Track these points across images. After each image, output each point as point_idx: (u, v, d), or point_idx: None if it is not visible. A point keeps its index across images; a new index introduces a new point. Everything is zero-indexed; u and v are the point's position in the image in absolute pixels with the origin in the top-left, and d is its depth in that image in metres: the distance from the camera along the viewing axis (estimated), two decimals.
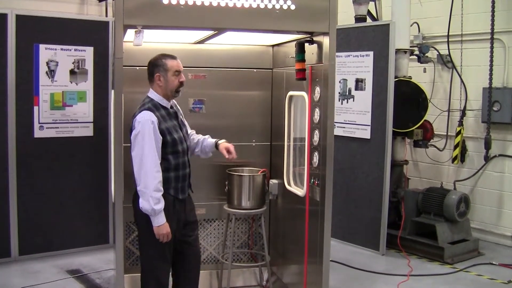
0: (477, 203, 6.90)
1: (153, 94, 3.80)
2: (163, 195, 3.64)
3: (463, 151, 6.96)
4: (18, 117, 5.59)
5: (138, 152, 3.59)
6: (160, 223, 3.62)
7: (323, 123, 4.05)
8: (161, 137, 3.66)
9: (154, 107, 3.72)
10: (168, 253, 3.82)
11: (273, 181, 4.96)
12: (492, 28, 6.50)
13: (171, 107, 3.88)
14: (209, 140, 4.20)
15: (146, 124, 3.58)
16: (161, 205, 3.60)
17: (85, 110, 5.96)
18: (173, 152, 3.75)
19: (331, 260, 4.62)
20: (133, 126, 3.67)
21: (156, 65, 3.78)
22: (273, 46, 5.08)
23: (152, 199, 3.56)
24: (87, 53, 5.91)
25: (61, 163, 5.87)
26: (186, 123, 4.12)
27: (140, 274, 3.90)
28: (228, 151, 4.10)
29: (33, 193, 5.73)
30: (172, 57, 3.80)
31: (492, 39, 6.53)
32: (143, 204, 3.58)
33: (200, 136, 4.22)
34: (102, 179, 5.98)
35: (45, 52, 5.71)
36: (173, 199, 3.78)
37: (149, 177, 3.56)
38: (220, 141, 4.16)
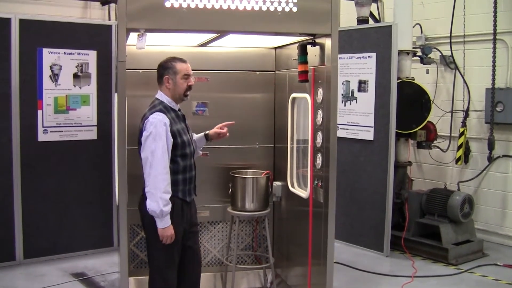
0: (481, 204, 6.89)
1: (162, 96, 3.78)
2: (172, 199, 3.63)
3: (467, 152, 6.96)
4: (22, 121, 5.61)
5: (149, 153, 3.56)
6: (165, 225, 3.61)
7: (326, 124, 4.06)
8: (172, 139, 3.64)
9: (165, 109, 3.71)
10: (176, 256, 3.81)
11: (277, 183, 4.97)
12: (495, 29, 6.50)
13: (179, 109, 3.88)
14: (198, 135, 4.21)
15: (158, 125, 3.57)
16: (169, 207, 3.59)
17: (88, 113, 5.97)
18: (182, 155, 3.73)
19: (335, 262, 4.63)
20: (144, 127, 3.64)
21: (166, 67, 3.77)
22: (275, 48, 5.09)
23: (161, 200, 3.54)
24: (90, 57, 5.93)
25: (65, 166, 5.88)
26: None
27: (147, 277, 3.88)
28: (221, 129, 4.18)
29: (37, 197, 5.75)
30: (182, 60, 3.80)
31: (494, 39, 6.53)
32: (151, 205, 3.56)
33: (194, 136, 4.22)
34: (106, 182, 5.99)
35: (49, 56, 5.73)
36: (181, 203, 3.77)
37: (159, 178, 3.54)
38: (207, 132, 4.19)
